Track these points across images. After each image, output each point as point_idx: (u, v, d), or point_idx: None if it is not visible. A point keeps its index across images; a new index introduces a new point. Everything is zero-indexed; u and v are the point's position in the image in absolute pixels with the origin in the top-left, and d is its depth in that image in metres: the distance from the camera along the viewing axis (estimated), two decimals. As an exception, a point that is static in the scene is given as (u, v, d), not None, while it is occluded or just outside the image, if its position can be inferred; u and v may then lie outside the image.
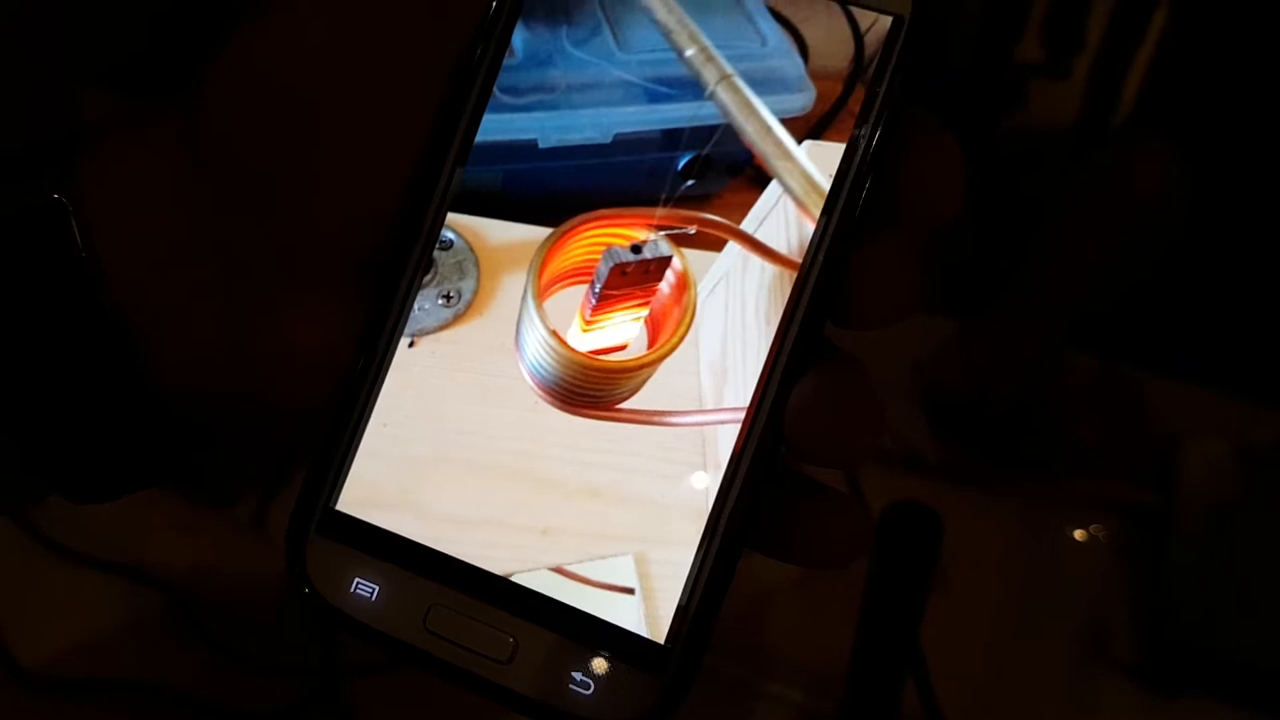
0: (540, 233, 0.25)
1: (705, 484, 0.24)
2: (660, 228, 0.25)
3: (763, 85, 0.24)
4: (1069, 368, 0.75)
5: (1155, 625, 0.63)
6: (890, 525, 0.46)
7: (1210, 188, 0.76)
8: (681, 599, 0.24)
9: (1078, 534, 0.68)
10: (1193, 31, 0.80)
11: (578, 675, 0.24)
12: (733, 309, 0.24)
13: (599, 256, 0.25)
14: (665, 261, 0.25)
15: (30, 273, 0.24)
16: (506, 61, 0.25)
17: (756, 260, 0.24)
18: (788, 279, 0.24)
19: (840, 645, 0.51)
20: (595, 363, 0.25)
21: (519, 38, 0.25)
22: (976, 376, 0.73)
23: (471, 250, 0.25)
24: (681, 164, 0.25)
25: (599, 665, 0.24)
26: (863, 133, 0.24)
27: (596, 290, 0.25)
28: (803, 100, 0.24)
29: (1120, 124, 0.83)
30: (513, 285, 0.25)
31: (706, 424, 0.24)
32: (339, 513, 0.25)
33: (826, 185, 0.24)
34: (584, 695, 0.23)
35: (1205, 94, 0.81)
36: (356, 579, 0.25)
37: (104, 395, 0.25)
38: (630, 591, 0.24)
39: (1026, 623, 0.64)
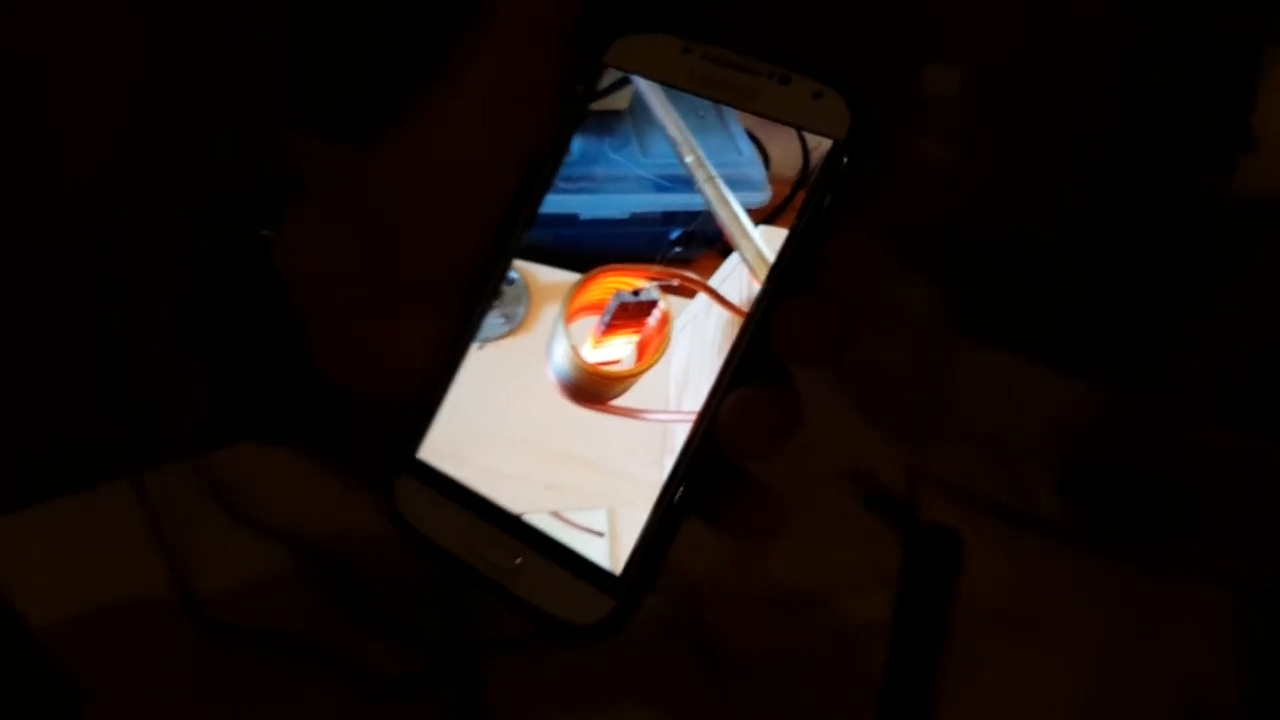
0: (574, 277, 0.35)
1: (663, 463, 0.33)
2: (654, 279, 0.34)
3: (736, 184, 0.34)
4: (1216, 444, 0.75)
5: (1265, 708, 0.63)
6: (912, 546, 0.52)
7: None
8: (636, 545, 0.33)
9: (1193, 607, 0.69)
10: None
11: (559, 589, 0.33)
12: (697, 340, 0.34)
13: (610, 296, 0.35)
14: (654, 303, 0.34)
15: (246, 284, 0.37)
16: (565, 160, 0.36)
17: (717, 308, 0.33)
18: (736, 322, 0.33)
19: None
20: (599, 371, 0.35)
21: (575, 144, 0.36)
22: (1116, 442, 0.74)
23: (527, 286, 0.36)
24: (674, 236, 0.34)
25: (574, 584, 0.33)
26: (800, 223, 0.33)
27: (605, 320, 0.35)
28: (762, 196, 0.34)
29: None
30: (551, 312, 0.35)
31: (670, 421, 0.34)
32: (420, 461, 0.36)
33: (771, 258, 0.33)
34: (561, 603, 0.33)
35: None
36: (427, 507, 0.36)
37: (287, 369, 0.37)
38: (601, 535, 0.33)
39: (1127, 686, 0.65)
